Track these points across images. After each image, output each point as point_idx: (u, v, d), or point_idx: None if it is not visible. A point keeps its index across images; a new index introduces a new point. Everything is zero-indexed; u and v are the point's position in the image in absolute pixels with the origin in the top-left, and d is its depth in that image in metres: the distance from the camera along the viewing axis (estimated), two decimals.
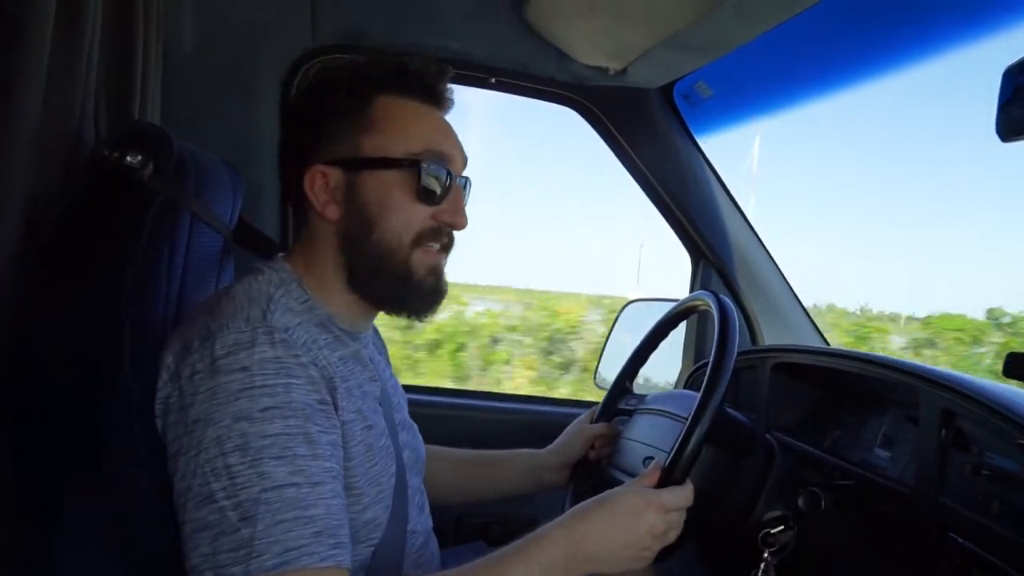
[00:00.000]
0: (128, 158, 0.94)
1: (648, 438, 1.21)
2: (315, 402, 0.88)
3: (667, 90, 1.83)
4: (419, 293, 1.02)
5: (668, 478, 0.98)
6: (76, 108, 1.03)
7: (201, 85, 1.51)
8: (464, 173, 1.06)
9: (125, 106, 1.17)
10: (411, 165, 0.98)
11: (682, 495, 0.98)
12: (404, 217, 0.99)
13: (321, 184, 0.99)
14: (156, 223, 0.96)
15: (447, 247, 1.04)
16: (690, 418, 0.99)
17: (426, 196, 0.98)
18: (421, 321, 1.07)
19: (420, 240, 1.00)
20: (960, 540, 0.97)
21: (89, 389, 0.91)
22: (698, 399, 1.00)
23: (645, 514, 0.94)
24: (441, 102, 1.04)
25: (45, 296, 0.92)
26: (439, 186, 0.99)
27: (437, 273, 1.03)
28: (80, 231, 0.95)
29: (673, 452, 0.98)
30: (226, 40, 1.54)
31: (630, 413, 1.33)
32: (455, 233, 1.04)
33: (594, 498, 0.98)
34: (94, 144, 1.05)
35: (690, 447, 0.97)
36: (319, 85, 1.03)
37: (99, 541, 0.90)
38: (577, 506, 0.97)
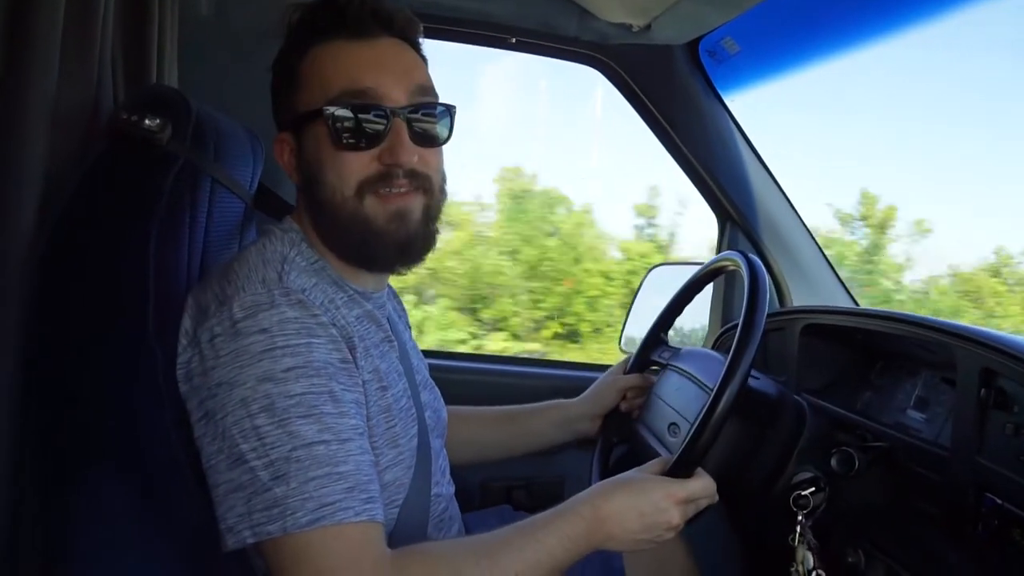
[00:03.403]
0: (146, 121, 0.94)
1: (675, 402, 1.19)
2: (337, 360, 0.88)
3: (692, 47, 1.77)
4: (384, 244, 0.95)
5: (688, 455, 0.97)
6: (93, 73, 1.02)
7: (218, 49, 1.49)
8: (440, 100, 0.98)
9: (142, 71, 1.16)
10: (320, 114, 0.91)
11: (702, 488, 0.97)
12: (336, 170, 0.93)
13: (287, 151, 0.99)
14: (176, 187, 0.96)
15: (417, 187, 0.95)
16: (713, 392, 0.97)
17: (349, 142, 0.91)
18: (400, 273, 1.01)
19: (366, 189, 0.93)
20: (998, 501, 0.96)
21: (115, 356, 0.92)
22: (723, 370, 0.97)
23: (667, 510, 0.94)
24: (362, 29, 0.94)
25: (68, 262, 0.92)
26: (369, 126, 0.91)
27: (402, 219, 0.95)
28: (100, 196, 0.94)
29: (696, 427, 0.97)
30: (242, 4, 1.52)
31: (663, 366, 1.32)
32: (426, 170, 0.96)
33: (622, 480, 0.97)
34: (112, 109, 1.04)
35: (712, 422, 0.95)
36: (278, 54, 1.01)
37: (130, 510, 0.92)
38: (606, 484, 0.97)
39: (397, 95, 0.94)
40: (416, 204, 0.96)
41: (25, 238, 0.92)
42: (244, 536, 0.81)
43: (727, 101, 1.84)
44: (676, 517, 0.94)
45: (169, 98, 0.99)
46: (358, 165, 0.93)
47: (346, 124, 0.91)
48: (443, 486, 1.11)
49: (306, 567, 0.80)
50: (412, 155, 0.93)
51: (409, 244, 0.97)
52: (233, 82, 1.45)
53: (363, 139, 0.92)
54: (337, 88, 0.92)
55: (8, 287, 0.92)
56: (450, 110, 0.99)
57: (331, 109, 0.91)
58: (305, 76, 0.95)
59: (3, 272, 0.91)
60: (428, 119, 0.97)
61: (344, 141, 0.92)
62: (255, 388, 0.82)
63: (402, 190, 0.94)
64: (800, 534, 1.08)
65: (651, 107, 1.80)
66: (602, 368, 1.57)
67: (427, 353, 1.27)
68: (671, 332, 1.42)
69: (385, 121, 0.92)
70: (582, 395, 1.40)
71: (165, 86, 1.21)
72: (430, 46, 1.04)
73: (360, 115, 0.91)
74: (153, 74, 1.19)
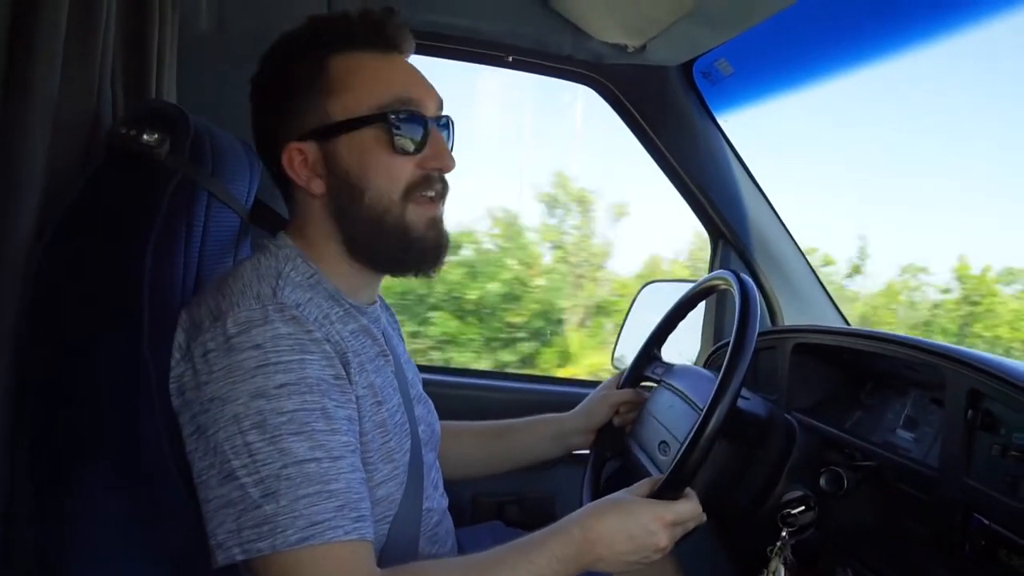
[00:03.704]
0: (145, 136, 0.94)
1: (666, 420, 1.20)
2: (330, 377, 0.88)
3: (687, 68, 1.80)
4: (422, 249, 1.00)
5: (677, 476, 0.98)
6: (93, 87, 1.03)
7: (217, 64, 1.50)
8: (444, 112, 1.02)
9: (142, 85, 1.17)
10: (380, 119, 0.94)
11: (690, 511, 0.98)
12: (388, 174, 0.96)
13: (300, 161, 0.97)
14: (173, 202, 0.96)
15: (442, 194, 1.01)
16: (702, 414, 0.98)
17: (404, 147, 0.95)
18: (429, 277, 1.04)
19: (410, 193, 0.97)
20: (985, 521, 0.96)
21: (109, 368, 0.92)
22: (713, 391, 0.98)
23: (656, 532, 0.95)
24: (396, 45, 1.00)
25: (64, 276, 0.93)
26: (415, 133, 0.96)
27: (436, 226, 1.00)
28: (98, 209, 0.95)
29: (684, 448, 0.98)
30: (242, 18, 1.53)
31: (656, 382, 1.32)
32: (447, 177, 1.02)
33: (613, 501, 0.98)
34: (112, 122, 1.05)
35: (700, 444, 0.96)
36: (273, 61, 1.00)
37: (124, 514, 0.92)
38: (597, 506, 0.98)
39: (431, 106, 0.99)
40: (441, 211, 1.02)
41: (22, 247, 0.92)
42: (233, 553, 0.80)
43: (720, 121, 1.86)
44: (664, 539, 0.95)
45: (168, 113, 1.00)
46: (407, 170, 0.97)
47: (403, 130, 0.95)
48: (435, 500, 1.11)
49: None
50: (453, 161, 1.00)
51: (442, 249, 1.02)
52: (232, 96, 1.44)
53: (413, 145, 0.96)
54: (388, 96, 0.95)
55: (4, 295, 0.92)
56: (451, 122, 1.04)
57: (395, 114, 0.94)
58: (338, 83, 0.95)
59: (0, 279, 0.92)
60: (451, 132, 1.03)
61: (400, 147, 0.95)
62: (247, 404, 0.82)
63: (431, 196, 0.99)
64: (780, 548, 1.09)
65: (645, 126, 1.82)
66: (595, 384, 1.58)
67: (421, 368, 1.28)
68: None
69: (426, 129, 0.97)
70: (575, 409, 1.40)
71: (164, 101, 1.22)
72: (426, 63, 1.06)
73: (415, 122, 0.96)
74: (152, 88, 1.20)
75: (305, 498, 0.80)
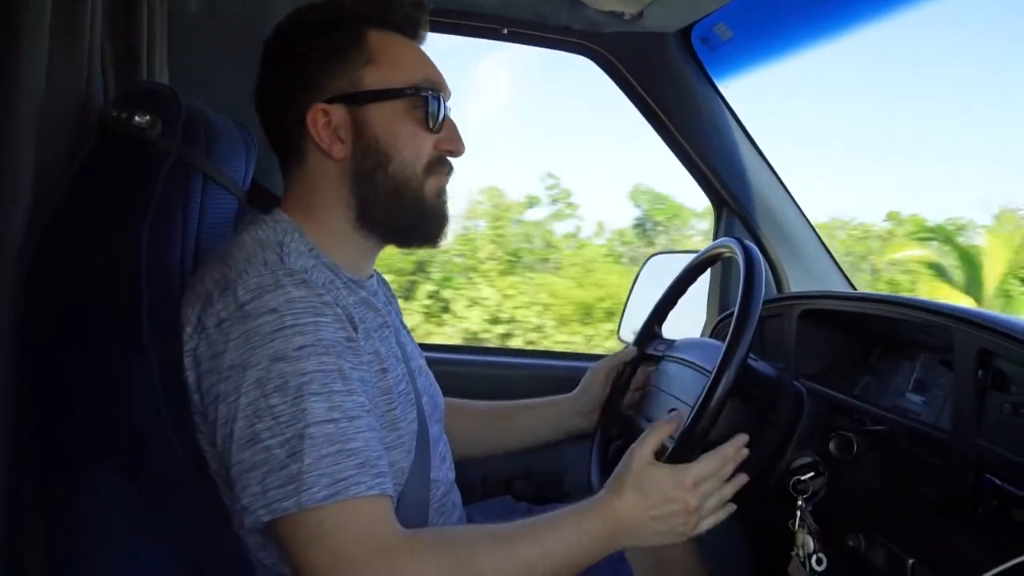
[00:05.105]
0: (136, 118, 0.93)
1: (674, 389, 1.19)
2: (343, 339, 0.89)
3: (685, 34, 1.77)
4: (434, 219, 1.04)
5: (691, 435, 0.97)
6: (83, 70, 1.01)
7: (209, 45, 1.48)
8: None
9: (132, 67, 1.16)
10: (416, 94, 0.99)
11: (711, 467, 0.98)
12: (415, 147, 1.00)
13: (324, 122, 0.98)
14: (168, 184, 0.95)
15: (450, 175, 1.06)
16: (713, 373, 0.98)
17: (432, 124, 1.00)
18: (434, 248, 1.08)
19: (431, 169, 1.02)
20: (998, 482, 0.95)
21: (109, 356, 0.91)
22: (722, 351, 0.98)
23: (679, 498, 0.95)
24: (421, 36, 1.06)
25: (60, 267, 0.92)
26: (440, 114, 1.01)
27: (444, 195, 1.05)
28: (91, 194, 0.94)
29: (696, 409, 0.98)
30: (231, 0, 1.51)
31: (658, 359, 1.31)
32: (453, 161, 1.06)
33: (631, 475, 0.97)
34: (102, 105, 1.04)
35: (713, 403, 0.96)
36: (305, 25, 1.01)
37: (130, 509, 0.91)
38: (612, 481, 0.98)
39: (447, 94, 1.04)
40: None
41: (16, 238, 0.91)
42: (260, 515, 0.82)
43: (721, 87, 1.84)
44: (692, 500, 0.95)
45: (159, 94, 0.99)
46: (429, 146, 1.01)
47: (432, 108, 1.00)
48: (442, 471, 1.12)
49: (323, 543, 0.81)
50: (464, 147, 1.05)
51: (447, 219, 1.06)
52: (223, 78, 1.43)
53: (436, 125, 1.01)
54: (420, 75, 1.01)
55: (1, 288, 0.91)
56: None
57: (428, 92, 1.00)
58: (376, 54, 0.99)
59: None
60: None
61: (429, 123, 1.00)
62: (268, 368, 0.83)
63: (445, 174, 1.05)
64: (800, 519, 1.09)
65: (645, 95, 1.80)
66: (596, 358, 1.57)
67: (422, 346, 1.27)
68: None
69: (446, 114, 1.02)
70: (572, 392, 1.40)
71: (155, 82, 1.20)
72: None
73: (440, 104, 1.01)
74: (143, 70, 1.18)
75: (327, 457, 0.82)
